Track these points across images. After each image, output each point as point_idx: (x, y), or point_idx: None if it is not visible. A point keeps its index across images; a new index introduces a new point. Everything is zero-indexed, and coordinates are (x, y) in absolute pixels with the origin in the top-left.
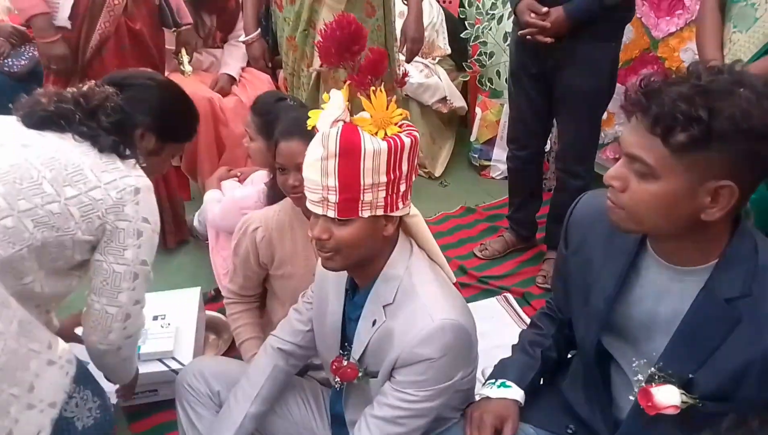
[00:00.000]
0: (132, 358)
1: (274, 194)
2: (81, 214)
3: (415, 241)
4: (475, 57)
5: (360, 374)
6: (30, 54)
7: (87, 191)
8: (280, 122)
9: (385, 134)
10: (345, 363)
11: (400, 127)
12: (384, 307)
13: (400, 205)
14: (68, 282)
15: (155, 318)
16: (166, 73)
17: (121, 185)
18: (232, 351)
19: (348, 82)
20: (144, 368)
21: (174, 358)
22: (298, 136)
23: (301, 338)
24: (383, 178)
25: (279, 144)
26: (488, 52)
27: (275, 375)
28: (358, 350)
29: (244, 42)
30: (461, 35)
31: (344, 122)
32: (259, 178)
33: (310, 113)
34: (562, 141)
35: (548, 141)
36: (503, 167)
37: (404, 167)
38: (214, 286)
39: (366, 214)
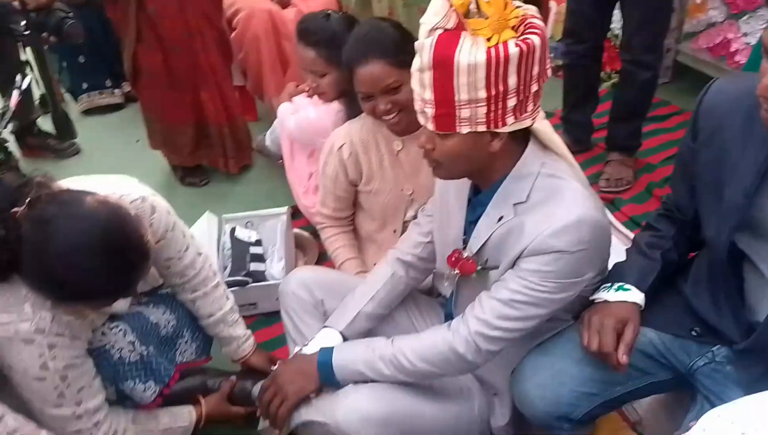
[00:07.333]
0: None
1: (352, 111)
2: None
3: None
4: None
5: (479, 268)
6: None
7: None
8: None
9: (497, 41)
10: (464, 255)
11: (516, 30)
12: (515, 205)
13: (510, 120)
14: None
15: (252, 241)
16: None
17: None
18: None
19: None
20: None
21: (269, 274)
22: (375, 55)
23: (421, 250)
24: (481, 94)
25: (355, 71)
26: None
27: (393, 282)
28: (475, 244)
29: None
30: None
31: (444, 30)
32: None
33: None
34: (629, 29)
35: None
36: None
37: (511, 81)
38: (291, 203)
39: (464, 129)
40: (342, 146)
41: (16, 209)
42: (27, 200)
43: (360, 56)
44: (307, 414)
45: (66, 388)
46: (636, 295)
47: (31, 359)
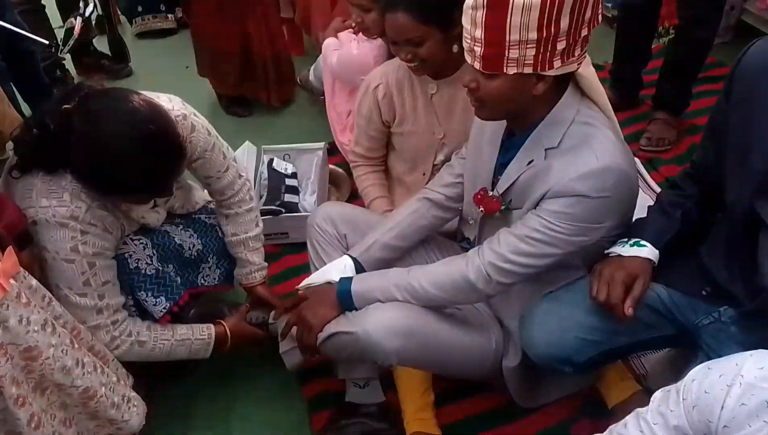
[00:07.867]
0: None
1: None
2: None
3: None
4: None
5: (502, 207)
6: None
7: None
8: None
9: None
10: (490, 194)
11: None
12: (546, 150)
13: (557, 63)
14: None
15: (288, 173)
16: None
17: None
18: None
19: None
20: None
21: (302, 206)
22: (403, 7)
23: (450, 189)
24: (533, 36)
25: (385, 15)
26: None
27: (415, 216)
28: (503, 185)
29: None
30: None
31: None
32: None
33: None
34: None
35: None
36: None
37: (563, 23)
38: (330, 139)
39: (511, 70)
40: (377, 86)
41: (67, 106)
42: (77, 97)
43: (390, 3)
44: (336, 327)
45: (92, 277)
46: (650, 252)
47: (63, 241)
